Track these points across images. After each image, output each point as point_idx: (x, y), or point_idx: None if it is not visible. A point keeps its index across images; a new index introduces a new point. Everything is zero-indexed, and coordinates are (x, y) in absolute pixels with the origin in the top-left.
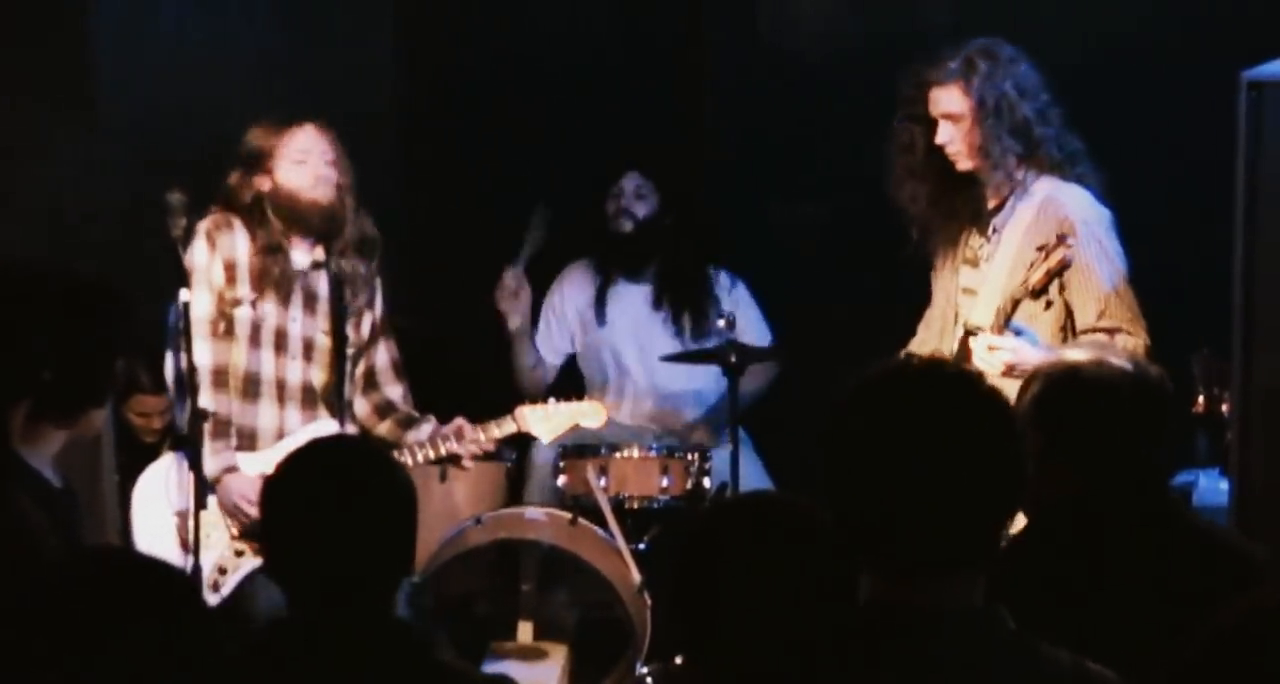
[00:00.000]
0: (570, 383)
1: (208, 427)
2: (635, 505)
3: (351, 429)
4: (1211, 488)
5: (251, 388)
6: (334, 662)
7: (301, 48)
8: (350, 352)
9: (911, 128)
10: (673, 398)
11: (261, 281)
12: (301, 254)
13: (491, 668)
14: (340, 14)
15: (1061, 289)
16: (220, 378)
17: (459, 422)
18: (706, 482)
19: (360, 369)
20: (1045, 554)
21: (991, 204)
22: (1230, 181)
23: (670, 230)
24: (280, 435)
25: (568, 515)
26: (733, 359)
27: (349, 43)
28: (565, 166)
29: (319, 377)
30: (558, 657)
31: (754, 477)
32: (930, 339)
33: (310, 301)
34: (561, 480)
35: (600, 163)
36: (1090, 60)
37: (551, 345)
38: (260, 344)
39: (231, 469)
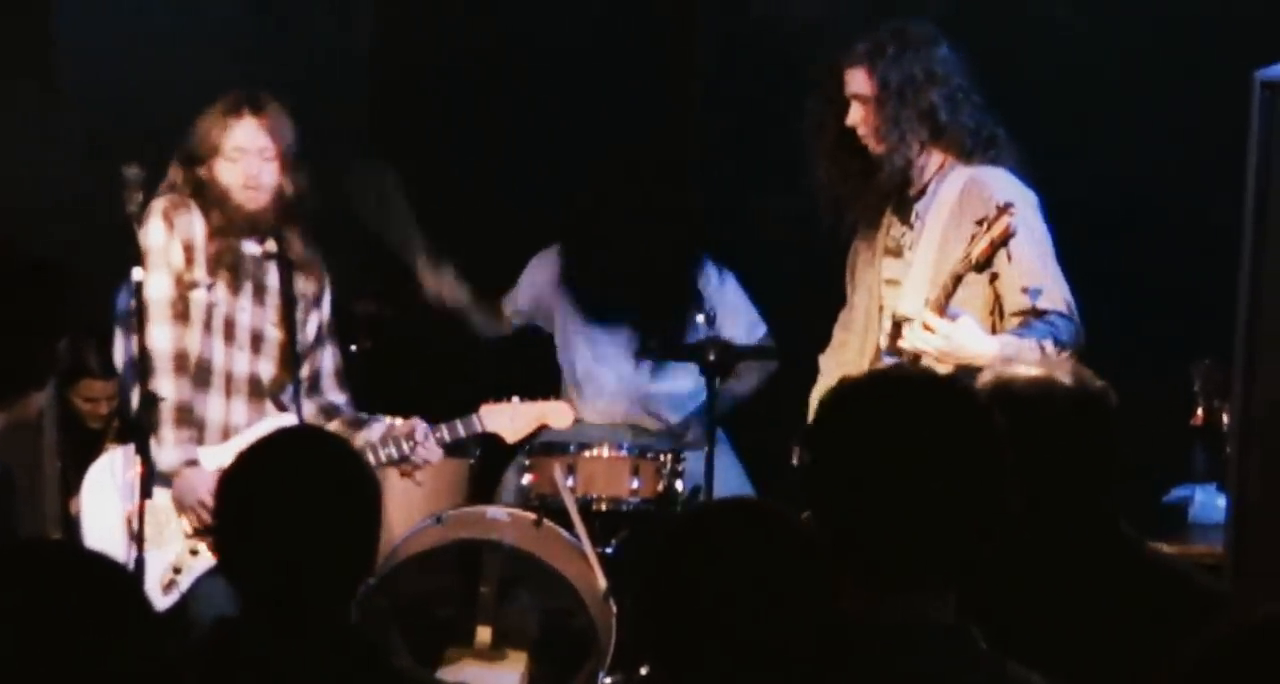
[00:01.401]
0: (545, 379)
1: (169, 415)
2: (603, 507)
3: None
4: (1209, 504)
5: (202, 375)
6: (283, 666)
7: (271, 23)
8: (281, 337)
9: (823, 110)
10: (649, 398)
11: (215, 266)
12: (251, 243)
13: (448, 674)
14: None
15: (993, 276)
16: (181, 363)
17: (413, 422)
18: (679, 484)
19: (305, 371)
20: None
21: (913, 191)
22: (1239, 185)
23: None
24: (226, 428)
25: (532, 516)
26: (711, 357)
27: (322, 16)
28: (545, 155)
29: (268, 370)
30: (517, 664)
31: (731, 480)
32: (851, 340)
33: (259, 292)
34: (527, 479)
35: (583, 153)
36: (1096, 58)
37: (516, 309)
38: (212, 331)
39: (192, 462)
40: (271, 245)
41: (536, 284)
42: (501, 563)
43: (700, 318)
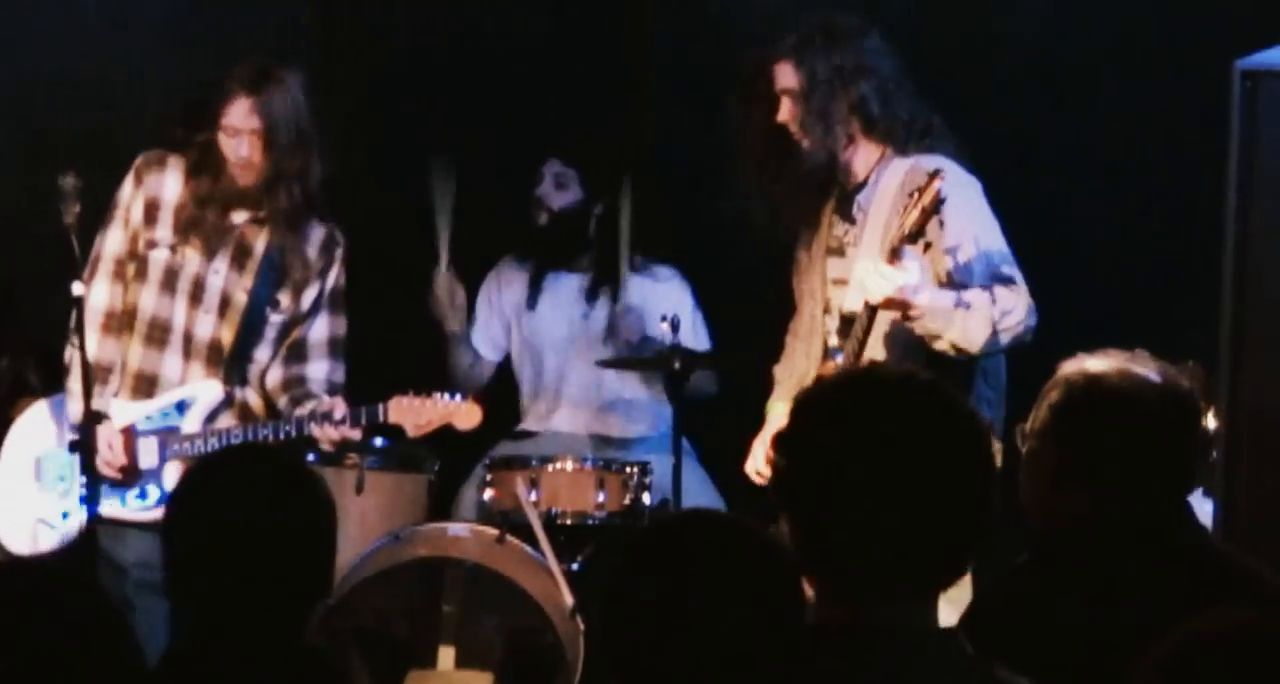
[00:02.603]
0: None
1: (80, 369)
2: (568, 522)
3: (251, 395)
4: (1196, 509)
5: (158, 334)
6: None
7: (209, 10)
8: (282, 318)
9: (750, 106)
10: (611, 405)
11: (186, 228)
12: (241, 211)
13: None
14: None
15: (927, 245)
16: (111, 322)
17: (332, 402)
18: (646, 497)
19: (290, 338)
20: (1048, 582)
21: (851, 185)
22: (1221, 179)
23: (601, 221)
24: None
25: (494, 532)
26: (676, 365)
27: (265, 10)
28: (494, 148)
29: (227, 335)
30: None
31: (698, 491)
32: (799, 345)
33: (241, 256)
34: (488, 494)
35: (533, 146)
36: (1074, 48)
37: (489, 340)
38: (175, 292)
39: (100, 416)
40: (263, 213)
41: (497, 308)
42: (464, 581)
43: (664, 325)
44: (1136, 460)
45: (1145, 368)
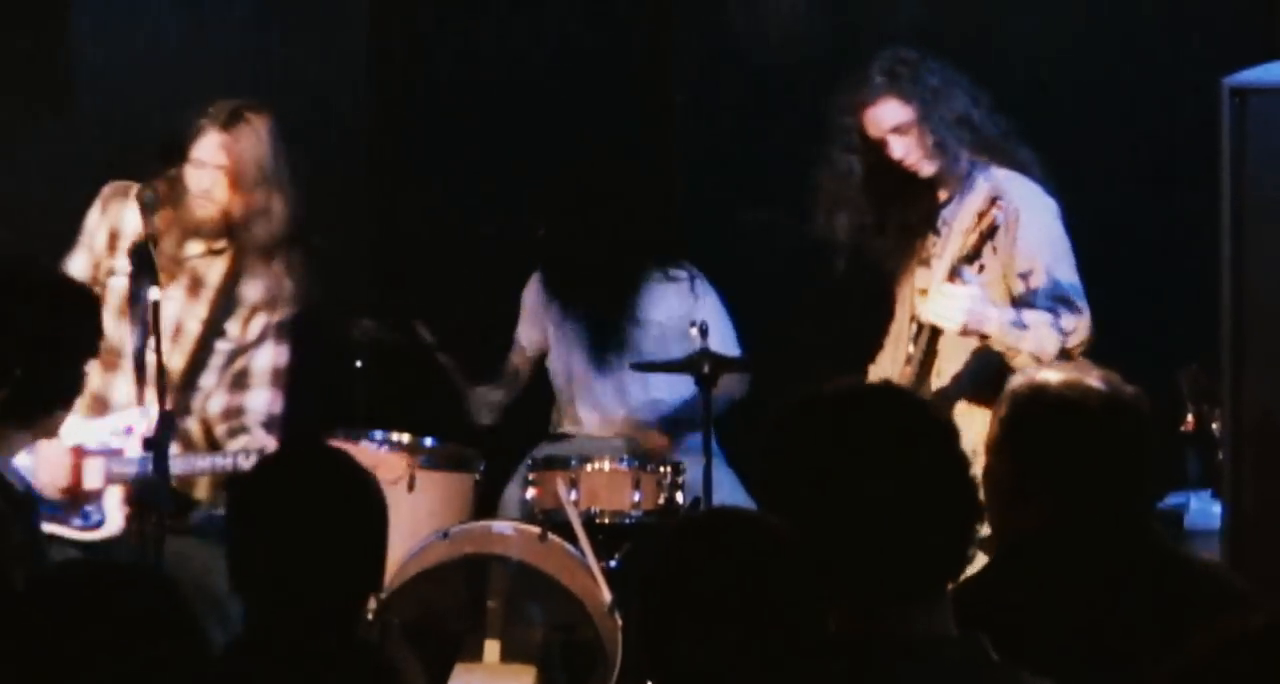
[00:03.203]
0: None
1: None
2: (606, 520)
3: (192, 424)
4: (1204, 510)
5: (111, 358)
6: (299, 682)
7: (276, 48)
8: (229, 347)
9: (848, 156)
10: (643, 408)
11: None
12: (196, 243)
13: None
14: (315, 14)
15: (980, 268)
16: None
17: (264, 441)
18: (679, 496)
19: (235, 367)
20: (1014, 590)
21: (941, 199)
22: (1214, 187)
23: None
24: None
25: (537, 530)
26: (705, 369)
27: (323, 42)
28: (531, 169)
29: (178, 362)
30: (525, 679)
31: (728, 491)
32: (889, 351)
33: (195, 287)
34: (530, 493)
35: (567, 166)
36: (1066, 67)
37: (529, 336)
38: (131, 319)
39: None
40: (219, 244)
41: (530, 308)
42: (508, 578)
43: (694, 331)
44: (1088, 467)
45: (1090, 377)
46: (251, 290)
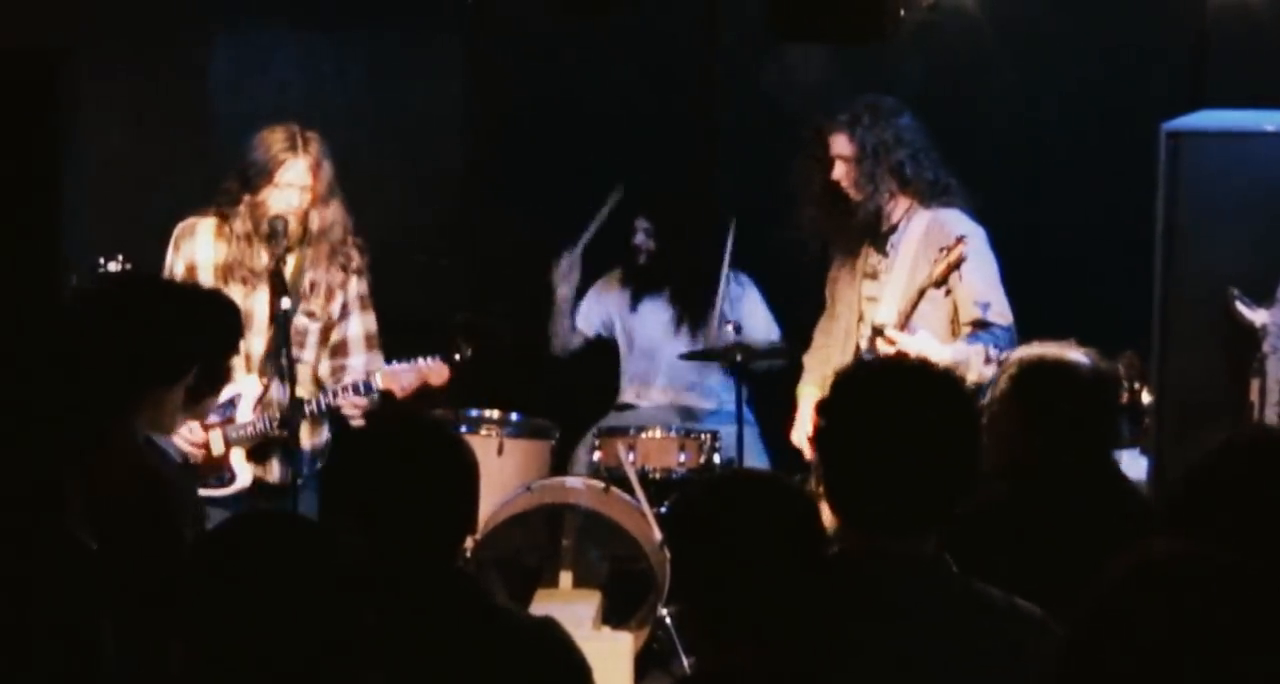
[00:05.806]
0: (611, 377)
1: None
2: (657, 476)
3: (302, 389)
4: (1132, 464)
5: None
6: (411, 604)
7: (384, 97)
8: (319, 325)
9: (810, 164)
10: (691, 387)
11: (229, 273)
12: (266, 250)
13: (537, 610)
14: (418, 68)
15: (947, 291)
16: None
17: (349, 383)
18: (716, 458)
19: (332, 340)
20: (1023, 509)
21: (885, 228)
22: (1152, 213)
23: (681, 257)
24: (235, 396)
25: (602, 484)
26: (738, 358)
27: (424, 91)
28: (596, 191)
29: (259, 346)
30: (592, 601)
31: (756, 453)
32: (832, 344)
33: (278, 285)
34: (597, 456)
35: (637, 193)
36: (1038, 114)
37: (588, 319)
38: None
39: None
40: (288, 246)
41: (603, 303)
42: (579, 522)
43: (730, 327)
44: (1074, 419)
45: (1077, 353)
46: (323, 275)
